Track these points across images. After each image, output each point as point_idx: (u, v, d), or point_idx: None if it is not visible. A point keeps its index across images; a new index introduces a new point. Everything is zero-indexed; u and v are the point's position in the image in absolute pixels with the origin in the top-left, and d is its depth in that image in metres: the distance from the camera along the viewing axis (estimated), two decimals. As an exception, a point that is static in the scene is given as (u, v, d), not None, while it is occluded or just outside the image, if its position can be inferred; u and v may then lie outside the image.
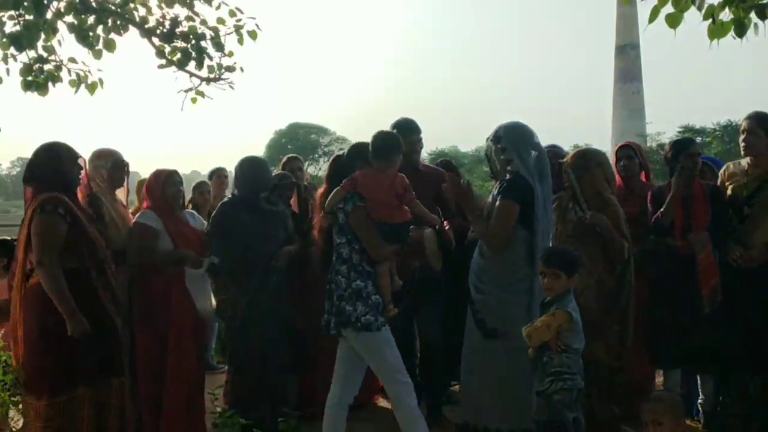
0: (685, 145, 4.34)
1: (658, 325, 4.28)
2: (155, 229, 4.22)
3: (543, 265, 3.42)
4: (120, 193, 4.48)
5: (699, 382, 4.36)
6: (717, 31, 2.94)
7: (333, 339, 4.89)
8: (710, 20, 2.95)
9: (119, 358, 3.86)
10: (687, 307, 4.12)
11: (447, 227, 4.57)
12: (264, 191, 4.44)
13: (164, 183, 4.34)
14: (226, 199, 4.59)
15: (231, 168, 5.16)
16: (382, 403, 5.18)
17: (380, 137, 3.83)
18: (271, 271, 4.35)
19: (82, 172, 3.94)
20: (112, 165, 4.33)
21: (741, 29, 2.90)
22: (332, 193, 3.72)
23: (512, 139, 3.78)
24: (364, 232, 3.63)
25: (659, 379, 4.83)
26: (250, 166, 4.49)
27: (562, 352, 3.24)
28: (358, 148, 3.89)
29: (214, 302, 4.27)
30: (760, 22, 2.90)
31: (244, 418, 3.33)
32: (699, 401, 4.33)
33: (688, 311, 4.12)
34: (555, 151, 4.71)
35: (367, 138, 3.80)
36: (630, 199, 4.49)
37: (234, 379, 4.37)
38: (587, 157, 4.18)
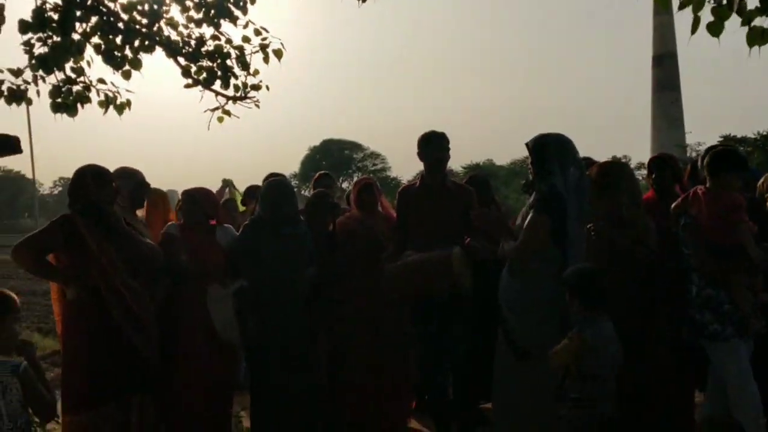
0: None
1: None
2: (179, 237, 4.25)
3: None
4: (140, 213, 4.47)
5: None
6: (756, 37, 2.81)
7: (361, 360, 4.78)
8: (748, 27, 2.84)
9: (141, 376, 3.84)
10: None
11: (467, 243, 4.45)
12: (290, 221, 4.36)
13: (184, 201, 4.42)
14: (249, 221, 4.50)
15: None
16: (414, 425, 5.07)
17: (711, 153, 3.83)
18: (296, 298, 4.27)
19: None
20: (134, 185, 4.32)
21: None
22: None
23: (557, 150, 3.68)
24: (693, 247, 3.75)
25: (698, 398, 4.65)
26: (278, 193, 4.40)
27: (581, 378, 3.10)
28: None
29: (236, 326, 4.17)
30: None
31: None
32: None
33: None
34: (589, 164, 4.57)
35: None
36: (663, 211, 4.30)
37: (254, 407, 4.29)
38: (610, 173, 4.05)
